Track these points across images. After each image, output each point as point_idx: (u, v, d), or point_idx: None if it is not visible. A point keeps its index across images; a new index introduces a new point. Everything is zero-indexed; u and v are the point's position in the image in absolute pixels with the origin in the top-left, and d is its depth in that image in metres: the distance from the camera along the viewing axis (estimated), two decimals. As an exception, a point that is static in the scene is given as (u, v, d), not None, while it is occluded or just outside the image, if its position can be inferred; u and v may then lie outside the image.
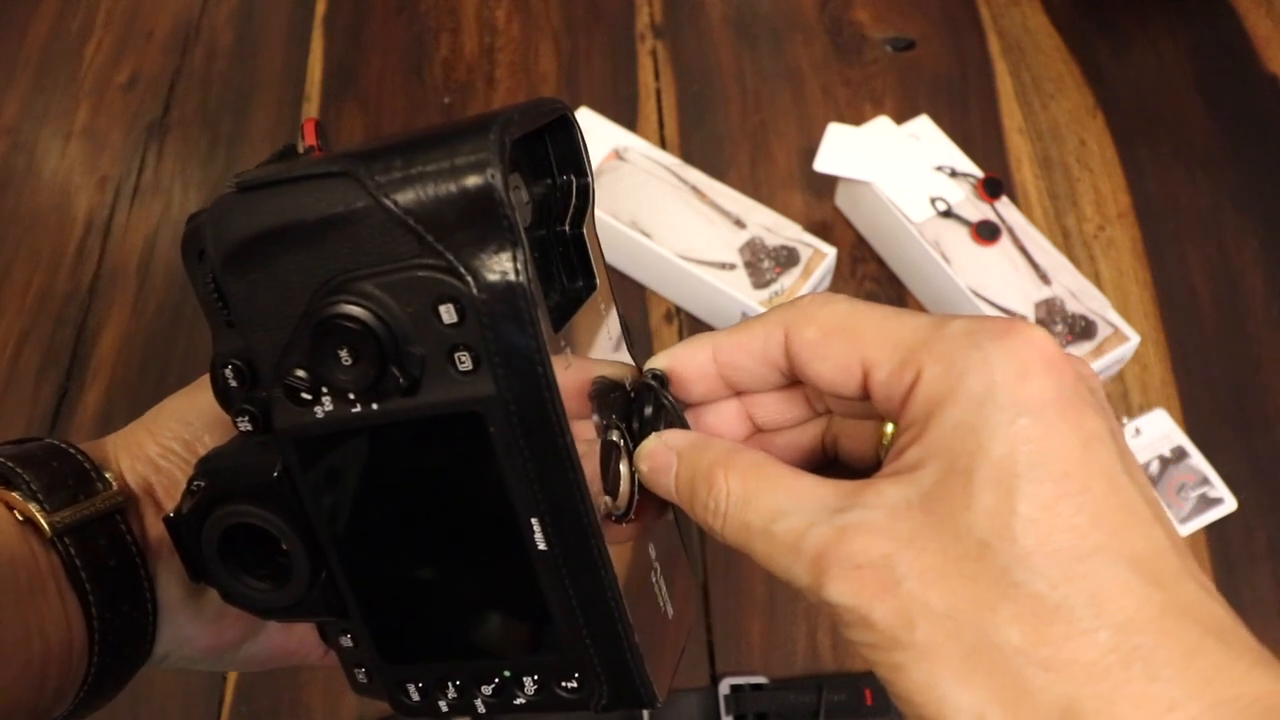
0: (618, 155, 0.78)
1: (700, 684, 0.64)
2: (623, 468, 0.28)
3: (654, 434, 0.28)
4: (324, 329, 0.25)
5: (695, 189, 0.77)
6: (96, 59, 0.99)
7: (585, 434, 0.26)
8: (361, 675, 0.31)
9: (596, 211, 0.30)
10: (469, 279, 0.24)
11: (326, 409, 0.26)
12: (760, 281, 0.73)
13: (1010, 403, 0.22)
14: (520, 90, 0.92)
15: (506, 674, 0.29)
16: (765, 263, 0.73)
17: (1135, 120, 0.86)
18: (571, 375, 0.26)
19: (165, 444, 0.35)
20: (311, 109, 0.93)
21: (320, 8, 1.00)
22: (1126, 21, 0.92)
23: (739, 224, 0.75)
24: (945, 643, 0.21)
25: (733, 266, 0.74)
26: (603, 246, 0.30)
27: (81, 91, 0.97)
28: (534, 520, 0.26)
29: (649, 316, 0.79)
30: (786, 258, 0.74)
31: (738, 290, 0.72)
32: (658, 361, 0.30)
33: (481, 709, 0.30)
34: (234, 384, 0.28)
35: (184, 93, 0.96)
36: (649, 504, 0.29)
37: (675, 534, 0.33)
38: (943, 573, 0.22)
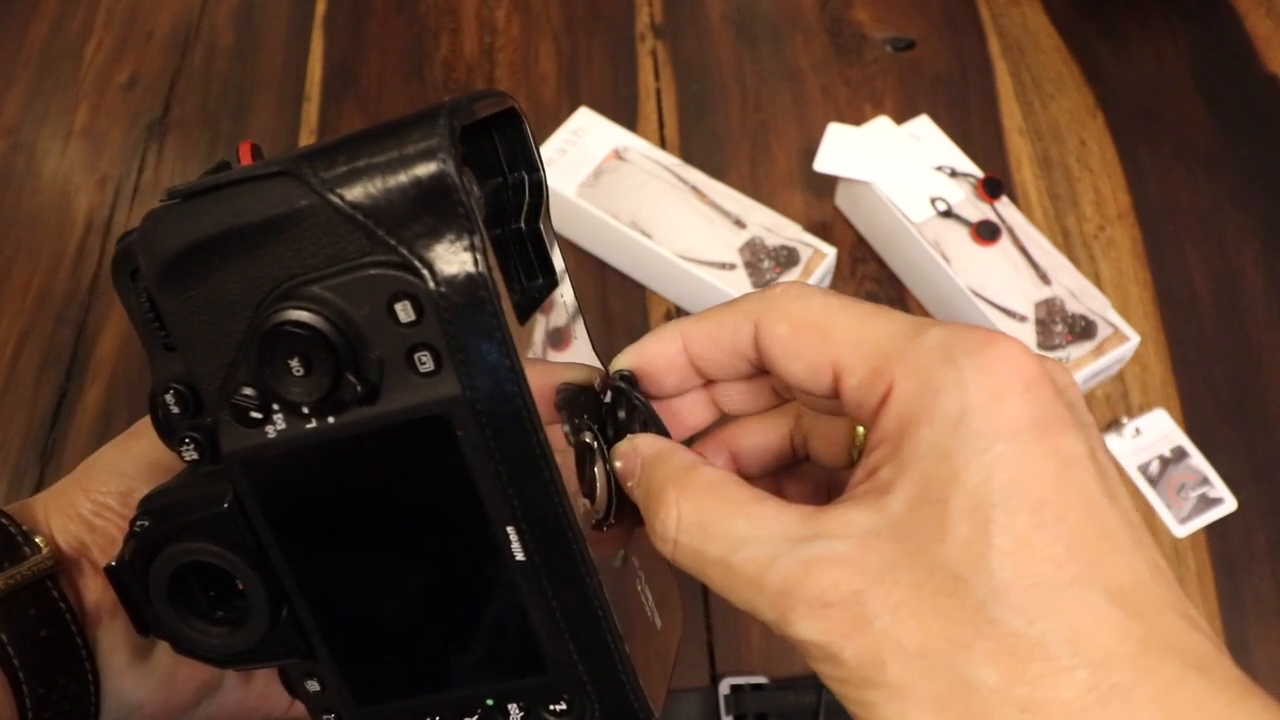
0: (618, 155, 0.78)
1: (700, 684, 0.64)
2: (597, 470, 0.26)
3: (628, 436, 0.27)
4: (272, 339, 0.23)
5: (695, 189, 0.77)
6: (96, 59, 0.99)
7: (553, 440, 0.25)
8: None
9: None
10: (425, 273, 0.22)
11: (279, 427, 0.25)
12: (760, 281, 0.73)
13: (985, 427, 0.21)
14: (520, 90, 0.92)
15: (489, 703, 0.27)
16: (765, 263, 0.73)
17: (1135, 120, 0.86)
18: (537, 377, 0.24)
19: (99, 500, 0.32)
20: (311, 109, 0.93)
21: (320, 8, 1.00)
22: (1126, 21, 0.92)
23: (739, 224, 0.75)
24: (918, 682, 0.21)
25: (733, 266, 0.74)
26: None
27: (81, 91, 0.97)
28: (510, 529, 0.24)
29: (649, 316, 0.78)
30: (786, 258, 0.74)
31: (738, 290, 0.72)
32: (624, 359, 0.28)
33: None
34: (176, 410, 0.26)
35: (184, 93, 0.96)
36: (629, 509, 0.28)
37: None
38: (915, 609, 0.21)
